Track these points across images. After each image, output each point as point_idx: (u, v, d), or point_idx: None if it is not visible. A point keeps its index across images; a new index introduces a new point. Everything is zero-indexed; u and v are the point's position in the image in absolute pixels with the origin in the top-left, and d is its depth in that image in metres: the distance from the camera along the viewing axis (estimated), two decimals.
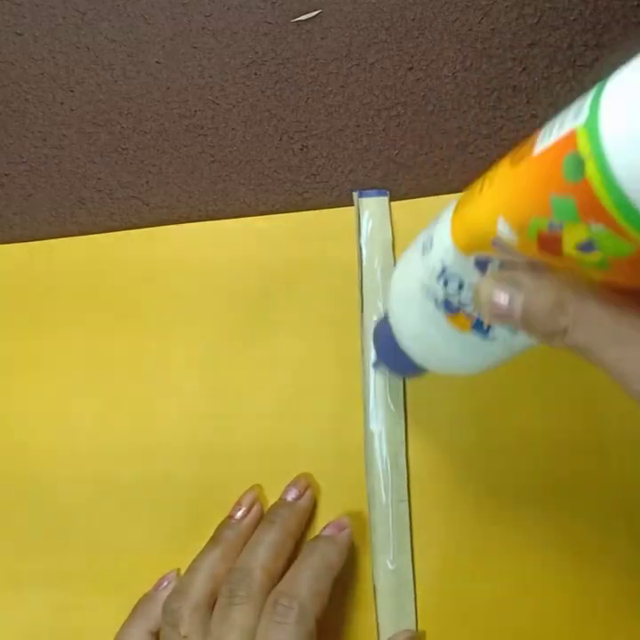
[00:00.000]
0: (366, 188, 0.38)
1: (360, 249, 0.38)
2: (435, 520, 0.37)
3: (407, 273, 0.28)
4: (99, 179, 0.39)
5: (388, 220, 0.38)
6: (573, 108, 0.21)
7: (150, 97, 0.39)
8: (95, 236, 0.39)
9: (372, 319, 0.37)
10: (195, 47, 0.39)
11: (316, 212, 0.38)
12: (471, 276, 0.25)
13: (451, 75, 0.38)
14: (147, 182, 0.39)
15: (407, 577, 0.36)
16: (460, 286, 0.26)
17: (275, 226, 0.38)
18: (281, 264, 0.38)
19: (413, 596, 0.36)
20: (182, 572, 0.36)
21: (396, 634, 0.35)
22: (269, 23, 0.38)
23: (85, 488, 0.38)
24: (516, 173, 0.22)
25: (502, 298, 0.23)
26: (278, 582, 0.33)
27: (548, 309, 0.22)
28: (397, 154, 0.39)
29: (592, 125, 0.19)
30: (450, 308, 0.27)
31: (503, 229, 0.22)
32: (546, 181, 0.21)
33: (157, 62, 0.39)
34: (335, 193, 0.39)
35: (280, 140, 0.39)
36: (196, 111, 0.39)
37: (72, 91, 0.39)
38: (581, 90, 0.39)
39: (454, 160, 0.38)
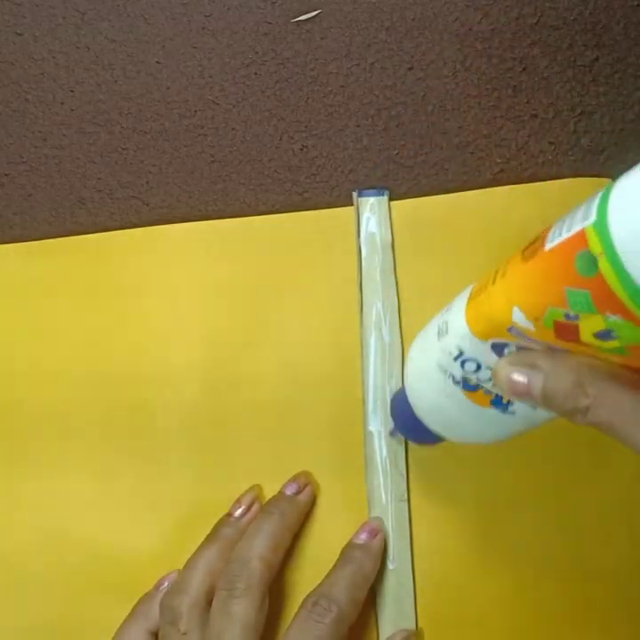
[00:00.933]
0: (366, 187, 0.38)
1: (359, 248, 0.38)
2: (435, 520, 0.37)
3: (423, 353, 0.29)
4: (99, 179, 0.39)
5: (388, 219, 0.38)
6: (580, 209, 0.21)
7: (150, 97, 0.39)
8: (95, 235, 0.39)
9: (371, 319, 0.37)
10: (195, 47, 0.39)
11: (316, 211, 0.38)
12: (488, 358, 0.26)
13: (451, 75, 0.38)
14: (147, 182, 0.39)
15: (407, 576, 0.36)
16: (478, 367, 0.26)
17: (275, 226, 0.38)
18: (281, 264, 0.38)
19: (413, 595, 0.36)
20: None
21: (394, 633, 0.35)
22: (269, 23, 0.38)
23: (85, 488, 0.38)
24: (528, 267, 0.23)
25: (521, 379, 0.24)
26: (277, 574, 0.33)
27: (568, 391, 0.23)
28: (397, 154, 0.39)
29: (602, 225, 0.20)
30: (468, 386, 0.27)
31: (519, 319, 0.23)
32: (559, 275, 0.21)
33: (157, 62, 0.39)
34: (335, 193, 0.39)
35: (280, 139, 0.39)
36: (195, 111, 0.39)
37: (72, 91, 0.39)
38: (581, 90, 0.39)
39: (454, 160, 0.38)
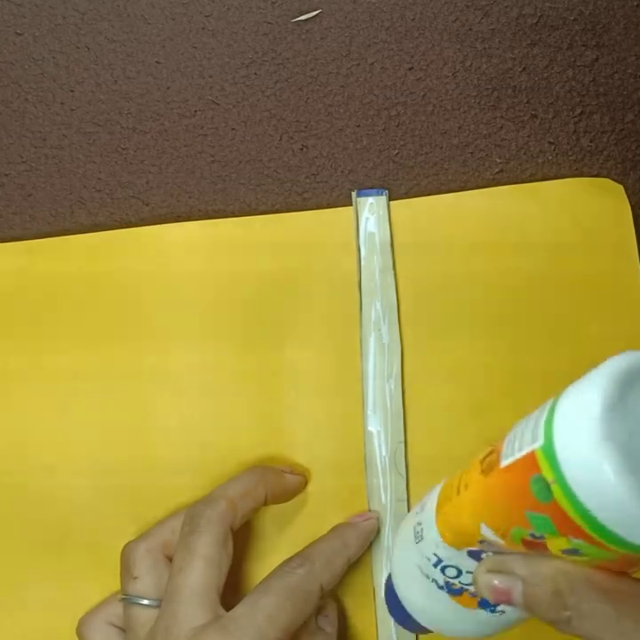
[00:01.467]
0: (366, 187, 0.38)
1: (358, 248, 0.38)
2: None
3: (404, 555, 0.29)
4: (99, 179, 0.39)
5: (387, 219, 0.38)
6: (530, 424, 0.21)
7: (150, 97, 0.39)
8: (95, 234, 0.39)
9: (370, 319, 0.37)
10: (195, 47, 0.39)
11: (316, 211, 0.38)
12: (467, 563, 0.26)
13: (451, 75, 0.38)
14: (147, 182, 0.39)
15: None
16: (459, 573, 0.26)
17: (275, 226, 0.38)
18: (280, 264, 0.38)
19: None
20: None
21: None
22: (269, 23, 0.38)
23: (86, 488, 0.38)
24: (487, 484, 0.23)
25: (501, 586, 0.23)
26: (243, 520, 0.33)
27: (548, 599, 0.22)
28: (397, 154, 0.39)
29: (549, 450, 0.19)
30: (453, 591, 0.27)
31: (487, 533, 0.23)
32: (518, 498, 0.21)
33: (157, 62, 0.39)
34: (335, 193, 0.39)
35: (280, 140, 0.39)
36: (195, 111, 0.39)
37: (72, 91, 0.39)
38: (581, 90, 0.39)
39: (454, 160, 0.38)
